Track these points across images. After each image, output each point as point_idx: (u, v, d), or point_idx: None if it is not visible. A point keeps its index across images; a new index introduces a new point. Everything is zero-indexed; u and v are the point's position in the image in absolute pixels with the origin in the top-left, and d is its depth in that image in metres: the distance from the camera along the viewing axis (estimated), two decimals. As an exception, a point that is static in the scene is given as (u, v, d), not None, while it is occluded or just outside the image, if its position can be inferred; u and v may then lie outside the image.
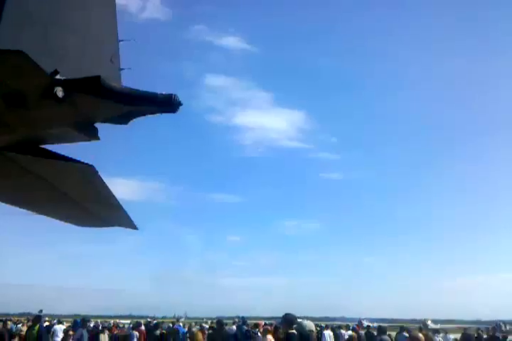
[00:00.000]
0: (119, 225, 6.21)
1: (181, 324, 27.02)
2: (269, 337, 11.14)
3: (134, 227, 5.97)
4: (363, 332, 21.04)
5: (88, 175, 4.22)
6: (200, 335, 8.99)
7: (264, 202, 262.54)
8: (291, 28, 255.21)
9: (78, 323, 20.67)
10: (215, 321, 23.31)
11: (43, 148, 4.01)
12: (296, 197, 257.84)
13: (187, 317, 67.07)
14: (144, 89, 3.31)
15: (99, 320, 36.13)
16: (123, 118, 3.61)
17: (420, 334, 6.18)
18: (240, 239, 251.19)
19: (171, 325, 22.75)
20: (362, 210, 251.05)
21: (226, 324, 19.37)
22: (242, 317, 23.32)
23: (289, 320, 6.53)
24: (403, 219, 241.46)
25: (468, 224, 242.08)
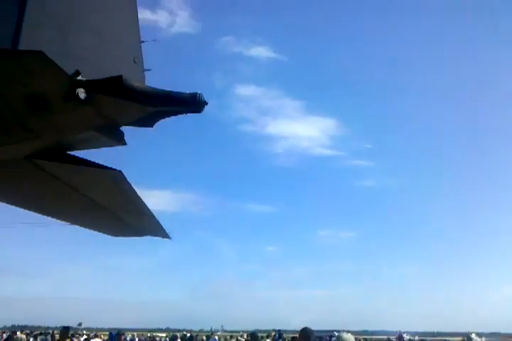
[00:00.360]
0: (152, 234, 6.10)
1: (216, 337, 26.82)
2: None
3: (167, 236, 5.83)
4: (404, 345, 20.32)
5: (117, 181, 4.14)
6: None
7: (299, 211, 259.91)
8: (317, 35, 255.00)
9: (113, 336, 20.76)
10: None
11: (70, 155, 3.97)
12: (332, 205, 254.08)
13: (224, 330, 66.68)
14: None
15: (135, 333, 36.37)
16: (148, 120, 3.53)
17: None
18: (275, 250, 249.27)
19: (204, 338, 22.60)
20: (399, 218, 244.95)
21: (262, 337, 19.05)
22: (279, 330, 22.93)
23: (305, 334, 6.24)
24: (442, 226, 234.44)
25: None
